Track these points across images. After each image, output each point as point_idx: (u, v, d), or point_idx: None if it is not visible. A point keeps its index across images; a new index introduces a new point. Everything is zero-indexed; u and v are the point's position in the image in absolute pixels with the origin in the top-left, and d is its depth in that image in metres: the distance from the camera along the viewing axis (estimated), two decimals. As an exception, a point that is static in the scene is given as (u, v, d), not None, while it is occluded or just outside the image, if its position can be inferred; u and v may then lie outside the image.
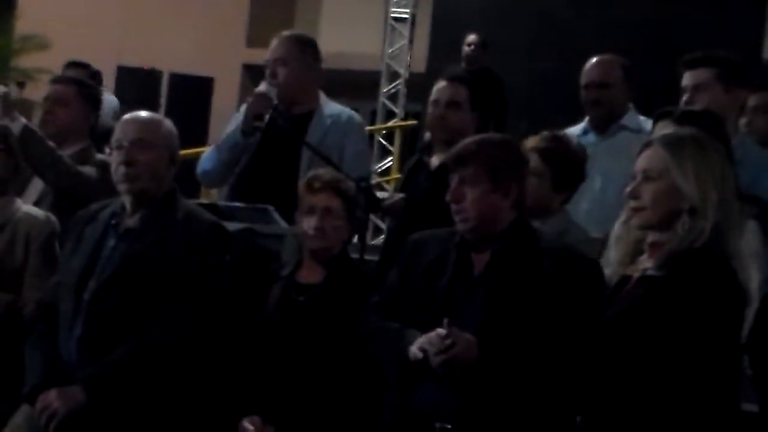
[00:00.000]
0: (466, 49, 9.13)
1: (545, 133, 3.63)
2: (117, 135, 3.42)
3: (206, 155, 4.45)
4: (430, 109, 4.22)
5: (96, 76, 5.67)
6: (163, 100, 13.09)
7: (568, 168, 3.56)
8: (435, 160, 4.10)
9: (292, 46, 4.35)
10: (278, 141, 4.25)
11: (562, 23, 9.96)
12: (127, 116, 3.49)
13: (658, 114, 3.61)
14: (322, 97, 4.42)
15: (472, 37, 9.15)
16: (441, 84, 4.20)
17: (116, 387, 3.21)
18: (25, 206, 3.68)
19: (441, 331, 2.82)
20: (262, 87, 4.26)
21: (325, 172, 3.59)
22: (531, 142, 3.56)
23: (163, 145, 3.41)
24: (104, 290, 3.27)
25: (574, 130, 4.33)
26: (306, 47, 4.38)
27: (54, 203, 3.92)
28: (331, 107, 4.39)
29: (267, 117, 4.18)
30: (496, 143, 3.09)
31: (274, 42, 4.40)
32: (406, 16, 11.69)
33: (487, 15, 10.23)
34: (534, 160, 3.45)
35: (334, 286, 3.40)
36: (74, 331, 3.27)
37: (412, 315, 2.99)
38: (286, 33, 4.44)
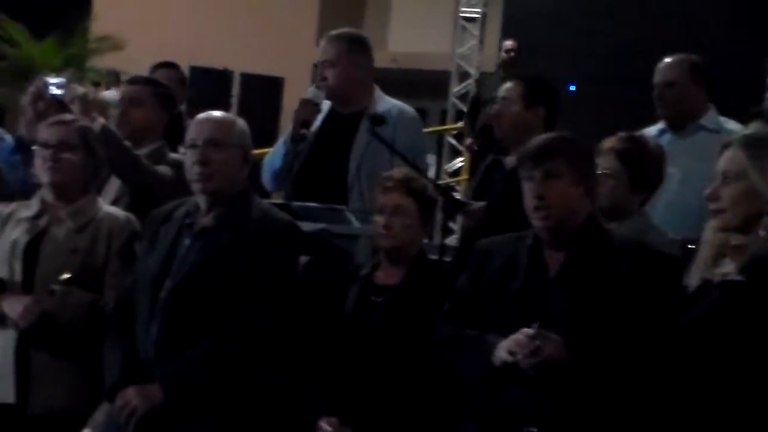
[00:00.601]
0: (503, 55, 9.26)
1: (622, 133, 3.58)
2: (191, 134, 3.43)
3: (269, 158, 4.47)
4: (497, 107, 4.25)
5: (184, 76, 5.69)
6: (234, 100, 13.21)
7: (645, 169, 3.51)
8: (510, 160, 4.07)
9: (339, 47, 4.33)
10: (329, 143, 4.25)
11: (633, 24, 9.82)
12: (200, 116, 3.51)
13: (750, 114, 3.55)
14: (377, 93, 4.40)
15: (509, 43, 9.29)
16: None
17: (193, 385, 3.23)
18: (107, 206, 3.72)
19: (528, 331, 2.80)
20: (310, 92, 4.27)
21: (399, 171, 3.59)
22: (608, 142, 3.52)
23: (236, 145, 3.42)
24: (180, 289, 3.29)
25: (652, 131, 4.28)
26: (354, 46, 4.36)
27: (130, 202, 3.95)
28: (385, 103, 4.37)
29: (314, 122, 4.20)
30: (572, 139, 3.07)
31: (322, 43, 4.40)
32: (477, 15, 11.66)
33: (558, 14, 10.14)
34: (611, 161, 3.42)
35: (411, 288, 3.38)
36: (151, 330, 3.30)
37: (487, 320, 2.98)
38: (333, 33, 4.42)
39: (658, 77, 4.39)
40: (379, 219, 3.44)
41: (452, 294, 3.14)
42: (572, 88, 9.14)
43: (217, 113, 3.51)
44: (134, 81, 4.54)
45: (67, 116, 3.76)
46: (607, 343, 2.83)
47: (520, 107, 4.16)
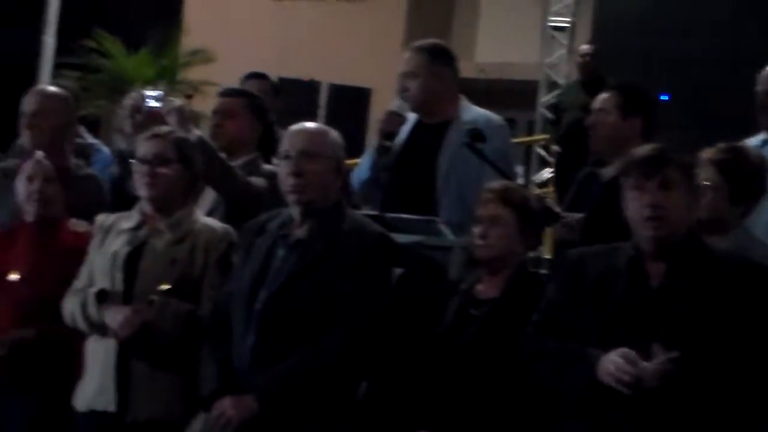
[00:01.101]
0: (579, 60, 9.21)
1: (722, 144, 3.50)
2: (285, 146, 3.46)
3: (357, 170, 4.47)
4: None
5: (276, 86, 5.73)
6: (321, 111, 13.30)
7: (746, 181, 3.43)
8: (607, 172, 4.01)
9: (421, 58, 4.32)
10: (416, 153, 4.23)
11: (730, 29, 9.62)
12: (294, 127, 3.53)
13: None
14: (463, 103, 4.38)
15: (585, 48, 9.20)
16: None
17: (289, 396, 3.25)
18: (204, 218, 3.75)
19: (629, 354, 2.74)
20: (395, 103, 4.26)
21: (499, 182, 3.56)
22: (707, 153, 3.44)
23: (330, 156, 3.43)
24: (275, 300, 3.31)
25: (753, 141, 4.18)
26: (436, 57, 4.34)
27: (226, 214, 3.99)
28: (471, 113, 4.35)
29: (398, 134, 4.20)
30: (677, 149, 3.02)
31: (405, 55, 4.38)
32: (566, 24, 11.56)
33: (651, 21, 9.99)
34: (710, 173, 3.35)
35: (510, 301, 3.35)
36: (246, 340, 3.32)
37: (582, 331, 2.93)
38: (415, 44, 4.41)
39: (761, 85, 4.29)
40: (476, 230, 3.41)
41: (542, 305, 3.10)
42: (665, 97, 9.00)
43: (311, 124, 3.54)
44: (227, 93, 4.58)
45: (164, 129, 3.80)
46: (711, 359, 2.78)
47: (617, 118, 4.08)
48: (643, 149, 3.03)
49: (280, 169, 3.45)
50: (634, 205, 2.94)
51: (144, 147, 3.67)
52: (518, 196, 3.47)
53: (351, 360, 3.29)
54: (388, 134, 4.22)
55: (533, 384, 3.11)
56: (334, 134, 3.49)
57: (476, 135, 4.07)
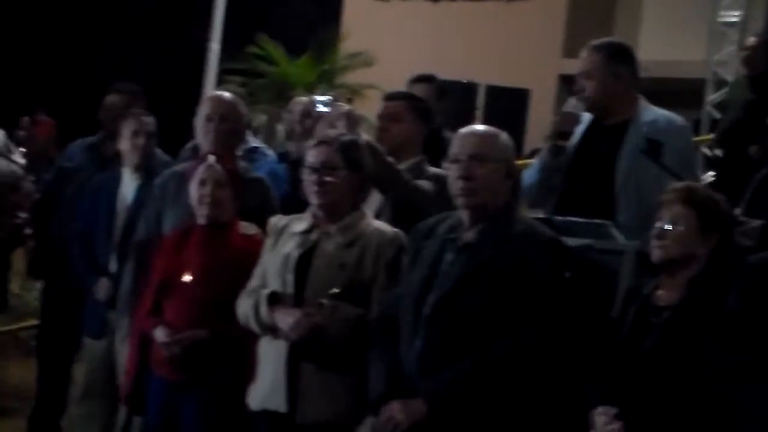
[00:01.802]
0: (745, 53, 8.74)
1: None
2: (454, 149, 3.42)
3: (527, 173, 4.39)
4: None
5: (443, 88, 5.70)
6: (479, 113, 13.23)
7: None
8: None
9: (597, 57, 4.20)
10: (593, 155, 4.13)
11: None
12: (463, 130, 3.49)
13: None
14: (642, 104, 4.23)
15: (752, 40, 8.74)
16: None
17: (458, 401, 3.22)
18: (375, 221, 3.76)
19: None
20: (571, 104, 4.15)
21: (682, 183, 3.44)
22: None
23: (500, 159, 3.39)
24: (444, 304, 3.29)
25: None
26: (613, 56, 4.21)
27: (392, 217, 3.99)
28: (650, 113, 4.20)
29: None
30: None
31: (582, 54, 4.27)
32: (736, 19, 11.15)
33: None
34: None
35: (691, 308, 3.22)
36: (415, 344, 3.31)
37: None
38: (591, 43, 4.28)
39: None
40: (654, 231, 3.31)
41: (724, 315, 2.97)
42: None
43: (480, 127, 3.51)
44: (392, 97, 4.58)
45: (331, 134, 3.82)
46: None
47: None
48: None
49: (450, 172, 3.42)
50: None
51: (312, 154, 3.70)
52: (701, 196, 3.33)
53: (521, 366, 3.23)
54: (563, 134, 4.12)
55: (717, 400, 2.99)
56: (504, 137, 3.45)
57: (653, 146, 3.93)
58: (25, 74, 21.42)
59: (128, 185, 5.00)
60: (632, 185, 4.02)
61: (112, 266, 4.93)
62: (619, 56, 4.23)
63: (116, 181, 5.03)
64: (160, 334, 4.02)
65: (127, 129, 4.98)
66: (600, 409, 3.19)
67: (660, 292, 3.32)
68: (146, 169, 4.97)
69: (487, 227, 3.34)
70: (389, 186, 4.03)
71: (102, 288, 4.89)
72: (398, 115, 4.36)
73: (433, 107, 5.45)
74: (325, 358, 3.54)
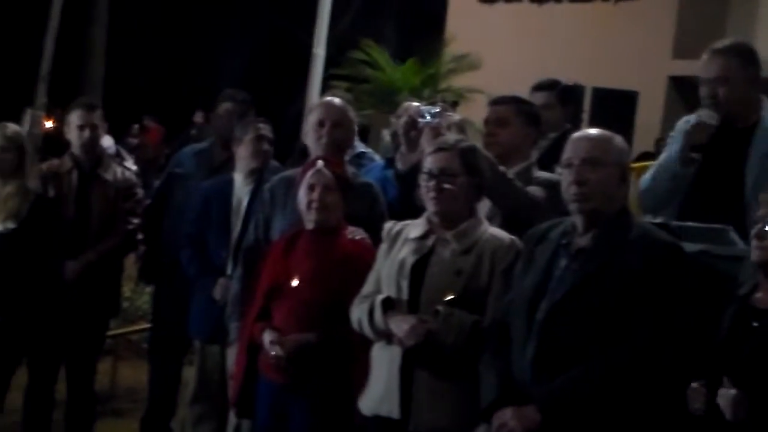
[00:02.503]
0: None
1: None
2: (567, 153, 3.37)
3: (646, 177, 4.27)
4: None
5: (565, 92, 5.59)
6: (585, 116, 13.08)
7: None
8: None
9: (730, 62, 4.05)
10: (721, 158, 4.00)
11: None
12: (577, 134, 3.45)
13: None
14: (766, 105, 4.10)
15: None
16: None
17: (571, 408, 3.17)
18: (492, 228, 3.73)
19: None
20: (702, 113, 4.00)
21: None
22: None
23: (614, 163, 3.33)
24: (557, 310, 3.24)
25: None
26: (745, 60, 4.07)
27: (502, 223, 3.93)
28: None
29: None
30: None
31: (707, 58, 4.11)
32: None
33: None
34: None
35: None
36: (527, 351, 3.27)
37: None
38: (718, 46, 4.13)
39: None
40: (754, 230, 3.22)
41: None
42: None
43: (593, 131, 3.44)
44: (499, 101, 4.53)
45: (450, 140, 3.79)
46: None
47: None
48: None
49: (563, 177, 3.37)
50: None
51: (430, 161, 3.68)
52: None
53: (637, 374, 3.16)
54: (697, 146, 3.99)
55: None
56: (618, 140, 3.39)
57: None
58: (132, 82, 21.96)
59: (241, 190, 5.05)
60: (763, 189, 3.88)
61: (229, 269, 4.98)
62: (752, 59, 4.10)
63: (228, 186, 5.08)
64: (267, 336, 4.04)
65: (247, 135, 5.04)
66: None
67: (759, 295, 3.23)
68: (259, 174, 5.02)
69: (602, 232, 3.29)
70: (500, 193, 3.96)
71: (220, 288, 4.95)
72: (506, 119, 4.30)
73: (558, 114, 5.38)
74: (439, 365, 3.52)
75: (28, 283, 4.88)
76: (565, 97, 5.49)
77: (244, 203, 5.01)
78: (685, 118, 4.29)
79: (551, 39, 14.80)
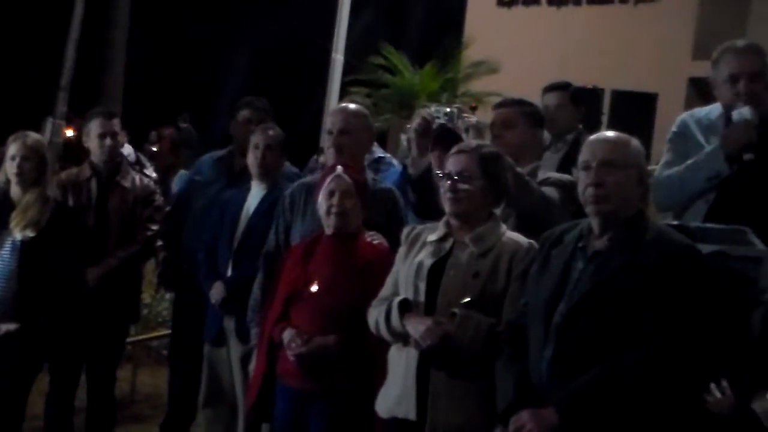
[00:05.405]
0: None
1: None
2: (584, 155, 3.37)
3: (665, 177, 4.23)
4: None
5: (577, 93, 5.59)
6: (604, 118, 13.05)
7: None
8: None
9: (760, 58, 4.03)
10: (754, 160, 3.97)
11: None
12: (594, 136, 3.44)
13: None
14: None
15: None
16: None
17: (589, 410, 3.16)
18: (509, 232, 3.73)
19: None
20: (745, 112, 3.96)
21: None
22: None
23: (631, 165, 3.32)
24: (574, 313, 3.24)
25: None
26: None
27: (517, 225, 3.93)
28: None
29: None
30: None
31: (727, 56, 4.07)
32: None
33: None
34: None
35: None
36: (544, 353, 3.27)
37: None
38: (740, 45, 4.10)
39: None
40: None
41: None
42: None
43: (611, 133, 3.44)
44: (501, 104, 4.55)
45: (471, 144, 3.80)
46: None
47: None
48: None
49: (580, 179, 3.36)
50: None
51: (450, 163, 3.69)
52: None
53: (654, 376, 3.15)
54: (747, 146, 3.95)
55: None
56: (636, 143, 3.38)
57: None
58: (152, 88, 22.06)
59: (254, 197, 5.07)
60: None
61: (228, 272, 4.99)
62: None
63: (244, 194, 5.10)
64: (287, 334, 4.05)
65: (251, 142, 5.05)
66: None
67: None
68: (271, 180, 5.03)
69: (619, 234, 3.28)
70: (520, 196, 3.96)
71: (215, 292, 4.97)
72: (510, 121, 4.33)
73: (570, 114, 5.37)
74: (455, 367, 3.52)
75: (49, 290, 4.91)
76: (576, 97, 5.49)
77: (252, 208, 5.03)
78: (686, 114, 4.26)
79: (570, 42, 14.77)
